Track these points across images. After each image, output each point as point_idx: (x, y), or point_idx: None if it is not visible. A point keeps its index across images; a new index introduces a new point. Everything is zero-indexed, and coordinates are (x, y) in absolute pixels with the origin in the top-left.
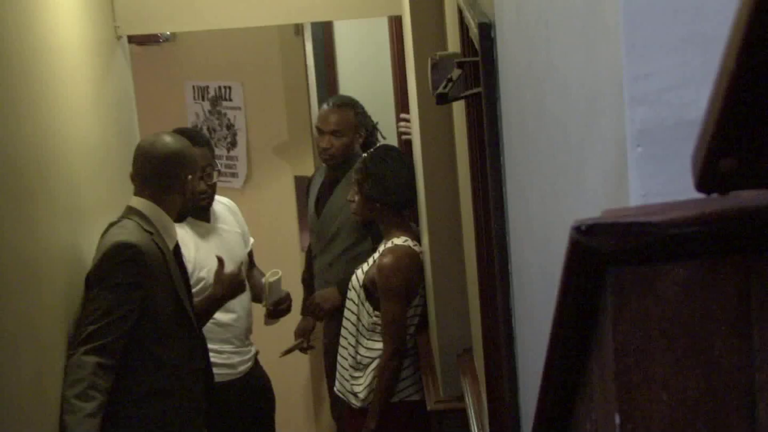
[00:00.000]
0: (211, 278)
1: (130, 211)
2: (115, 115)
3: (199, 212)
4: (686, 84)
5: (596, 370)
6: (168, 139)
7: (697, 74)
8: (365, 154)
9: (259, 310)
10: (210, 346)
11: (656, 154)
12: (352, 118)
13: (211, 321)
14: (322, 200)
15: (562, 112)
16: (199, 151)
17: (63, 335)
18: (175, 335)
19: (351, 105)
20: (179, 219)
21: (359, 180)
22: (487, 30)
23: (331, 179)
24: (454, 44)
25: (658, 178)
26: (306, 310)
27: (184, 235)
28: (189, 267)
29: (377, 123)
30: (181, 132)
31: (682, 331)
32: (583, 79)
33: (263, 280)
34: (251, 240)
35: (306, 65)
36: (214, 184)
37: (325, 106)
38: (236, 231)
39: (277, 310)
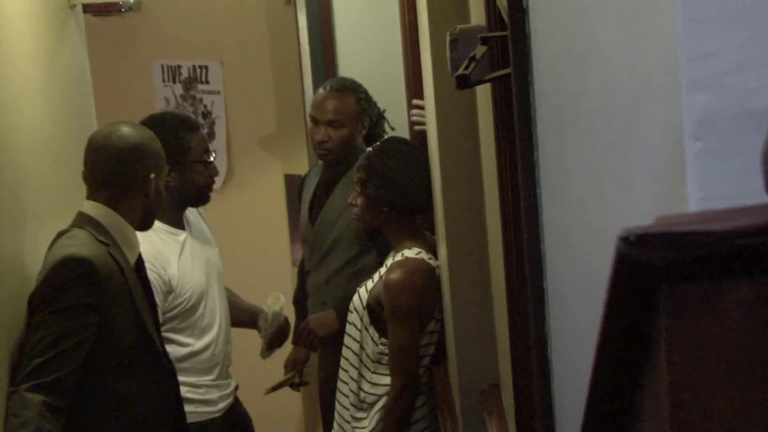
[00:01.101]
0: (195, 299)
1: (82, 219)
2: (68, 101)
3: (174, 218)
4: (753, 65)
5: (648, 407)
6: (126, 130)
7: (766, 54)
8: (369, 149)
9: (239, 336)
10: (182, 379)
11: (718, 150)
12: (354, 104)
13: (183, 349)
14: (317, 204)
15: (605, 99)
16: (197, 135)
17: (3, 369)
18: (138, 368)
19: (352, 89)
20: (142, 227)
21: (362, 179)
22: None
23: (328, 179)
24: (477, 16)
25: (720, 177)
26: (298, 338)
27: (164, 247)
28: (172, 286)
29: (384, 111)
30: (168, 116)
31: (749, 360)
32: (631, 59)
33: (267, 306)
34: (216, 249)
35: (299, 41)
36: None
37: (321, 91)
38: (209, 238)
39: (278, 341)
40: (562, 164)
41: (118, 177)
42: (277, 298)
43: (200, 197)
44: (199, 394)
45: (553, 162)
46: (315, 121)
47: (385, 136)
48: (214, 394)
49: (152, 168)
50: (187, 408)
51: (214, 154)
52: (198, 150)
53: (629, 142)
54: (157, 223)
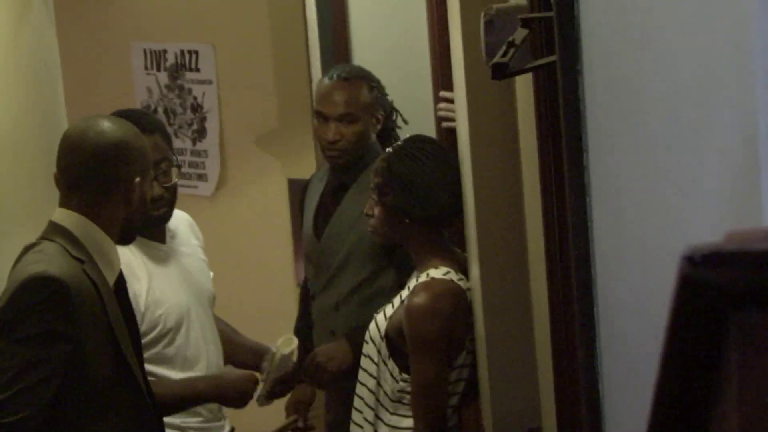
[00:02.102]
0: (172, 324)
1: (53, 229)
2: (32, 90)
3: (151, 228)
4: None
5: None
6: (106, 125)
7: None
8: (389, 149)
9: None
10: (169, 420)
11: None
12: (367, 94)
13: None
14: (323, 215)
15: (666, 93)
16: (149, 141)
17: None
18: (116, 406)
19: (363, 77)
20: (124, 240)
21: (380, 185)
22: None
23: (336, 185)
24: None
25: None
26: (303, 374)
27: (132, 260)
28: (139, 306)
29: (392, 101)
30: (121, 116)
31: None
32: (696, 46)
33: (274, 347)
34: (210, 273)
35: (305, 21)
36: (174, 186)
37: (326, 81)
38: (200, 257)
39: (281, 389)
40: (616, 169)
41: (96, 181)
42: (288, 341)
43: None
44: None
45: (606, 167)
46: (322, 116)
47: (400, 133)
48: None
49: (136, 170)
50: None
51: (176, 170)
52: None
53: (695, 144)
54: None
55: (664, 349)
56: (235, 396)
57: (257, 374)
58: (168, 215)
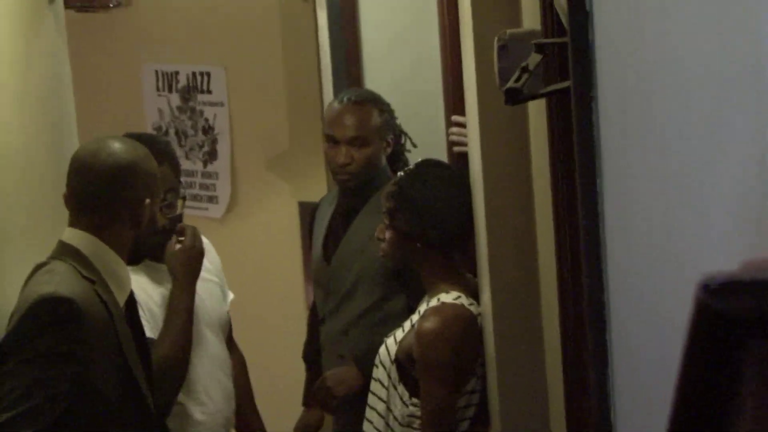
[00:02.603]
0: None
1: (63, 249)
2: (44, 110)
3: (157, 251)
4: None
5: None
6: (117, 146)
7: None
8: (401, 173)
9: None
10: None
11: None
12: (376, 118)
13: (179, 411)
14: (332, 239)
15: (682, 116)
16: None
17: None
18: (124, 426)
19: (373, 101)
20: (134, 260)
21: (391, 209)
22: (580, 0)
23: (346, 208)
24: (531, 18)
25: None
26: (311, 399)
27: (143, 282)
28: (152, 330)
29: (401, 125)
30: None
31: None
32: (714, 73)
33: None
34: (230, 295)
35: (317, 44)
36: (179, 216)
37: (336, 105)
38: (213, 279)
39: None
40: (630, 195)
41: (106, 201)
42: None
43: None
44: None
45: (620, 192)
46: (332, 140)
47: (409, 156)
48: None
49: (146, 192)
50: None
51: (182, 202)
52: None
53: (710, 169)
54: None
55: (679, 377)
56: (186, 268)
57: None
58: (165, 241)
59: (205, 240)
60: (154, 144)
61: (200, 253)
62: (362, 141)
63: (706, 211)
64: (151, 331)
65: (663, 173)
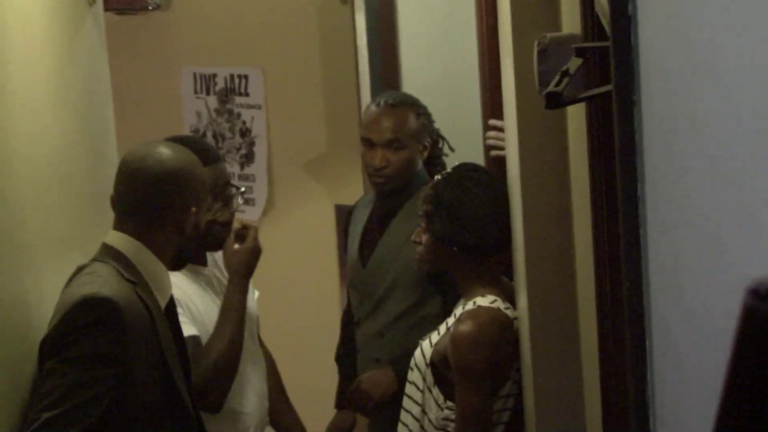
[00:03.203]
0: None
1: (106, 251)
2: (83, 112)
3: (197, 253)
4: None
5: None
6: (165, 152)
7: None
8: (438, 176)
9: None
10: None
11: None
12: (413, 121)
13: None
14: (368, 242)
15: (729, 123)
16: (215, 168)
17: (6, 425)
18: (164, 429)
19: (410, 104)
20: (176, 266)
21: (428, 213)
22: (622, 4)
23: (382, 211)
24: (571, 22)
25: None
26: (344, 401)
27: (184, 284)
28: (197, 331)
29: (438, 129)
30: (180, 142)
31: None
32: (759, 73)
33: None
34: (256, 292)
35: (356, 46)
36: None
37: (373, 108)
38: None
39: None
40: (673, 200)
41: (152, 207)
42: None
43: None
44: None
45: (662, 197)
46: (368, 143)
47: (447, 161)
48: None
49: (192, 199)
50: None
51: (236, 189)
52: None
53: (759, 169)
54: None
55: (726, 383)
56: (245, 267)
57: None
58: (224, 237)
59: None
60: (204, 146)
61: (260, 255)
62: (398, 144)
63: (756, 215)
64: (188, 328)
65: (710, 177)
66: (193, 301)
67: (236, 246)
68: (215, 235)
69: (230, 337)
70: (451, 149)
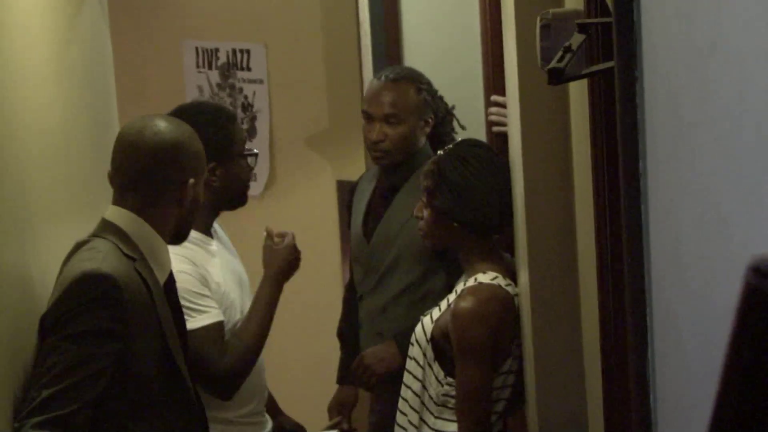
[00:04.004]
0: (231, 317)
1: (106, 227)
2: (86, 87)
3: (206, 224)
4: None
5: None
6: (162, 125)
7: None
8: (440, 152)
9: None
10: (213, 414)
11: None
12: (413, 96)
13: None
14: (372, 217)
15: (733, 102)
16: (239, 127)
17: (5, 401)
18: (163, 406)
19: (411, 79)
20: (174, 240)
21: (429, 188)
22: None
23: (386, 186)
24: None
25: None
26: (347, 376)
27: (198, 257)
28: (230, 302)
29: (453, 107)
30: (201, 107)
31: None
32: (765, 50)
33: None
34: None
35: (358, 21)
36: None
37: (374, 82)
38: (236, 253)
39: None
40: (675, 177)
41: (150, 181)
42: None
43: (241, 197)
44: (248, 419)
45: (664, 174)
46: (368, 116)
47: (456, 137)
48: (261, 418)
49: (191, 172)
50: None
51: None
52: (240, 142)
53: (760, 154)
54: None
55: (726, 359)
56: (288, 265)
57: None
58: (245, 194)
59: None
60: (224, 107)
61: (299, 258)
62: (396, 118)
63: (757, 193)
64: (214, 314)
65: (712, 154)
66: (209, 271)
67: (274, 244)
68: (240, 192)
69: (255, 333)
70: (462, 127)
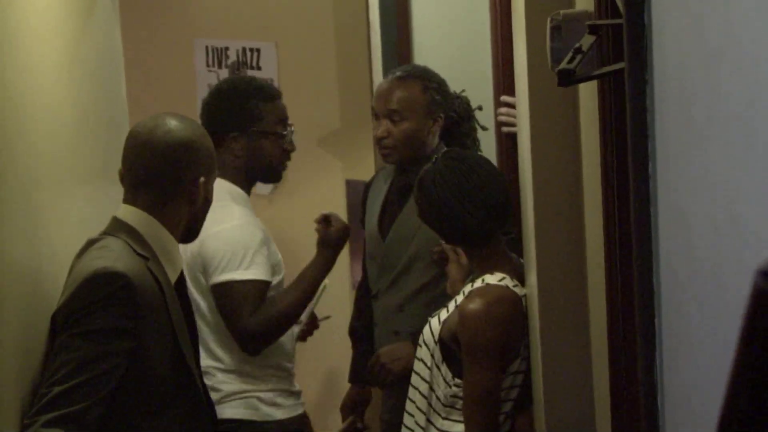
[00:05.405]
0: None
1: (118, 226)
2: (96, 85)
3: (277, 181)
4: None
5: None
6: (173, 123)
7: None
8: (426, 167)
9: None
10: (267, 361)
11: None
12: (419, 94)
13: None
14: (388, 215)
15: (743, 103)
16: (274, 106)
17: (16, 398)
18: (172, 405)
19: (419, 77)
20: (186, 238)
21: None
22: None
23: (401, 184)
24: None
25: None
26: (360, 375)
27: (255, 222)
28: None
29: (479, 108)
30: (235, 82)
31: None
32: None
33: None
34: None
35: (368, 21)
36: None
37: (383, 80)
38: None
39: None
40: (685, 179)
41: (161, 179)
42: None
43: (270, 172)
44: (288, 383)
45: (674, 176)
46: (375, 114)
47: (478, 138)
48: (295, 387)
49: (201, 170)
50: (280, 400)
51: (292, 128)
52: (270, 120)
53: None
54: (241, 193)
55: (735, 362)
56: (340, 240)
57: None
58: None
59: None
60: (264, 86)
61: (348, 232)
62: (399, 115)
63: (765, 199)
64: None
65: (724, 160)
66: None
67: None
68: (266, 167)
69: (295, 301)
70: (483, 128)
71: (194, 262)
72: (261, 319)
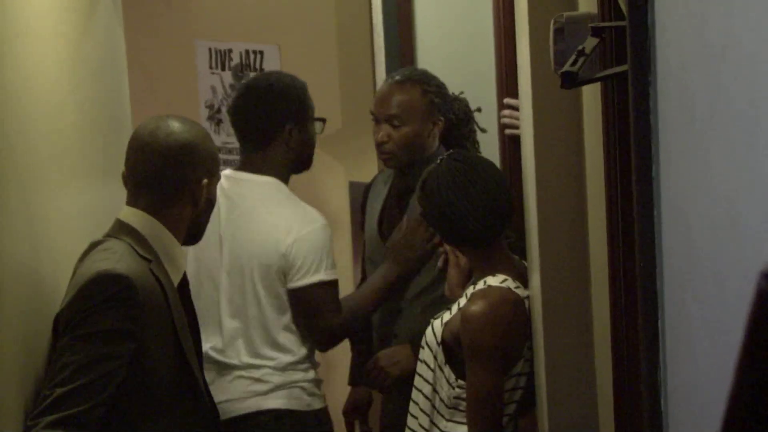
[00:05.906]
0: None
1: (121, 228)
2: (99, 87)
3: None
4: None
5: None
6: (176, 125)
7: None
8: (429, 168)
9: None
10: (299, 350)
11: None
12: (418, 98)
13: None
14: (388, 217)
15: (746, 105)
16: (310, 96)
17: (18, 399)
18: (175, 406)
19: (419, 80)
20: (189, 240)
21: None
22: None
23: (401, 187)
24: (588, 1)
25: None
26: (361, 378)
27: None
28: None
29: (479, 109)
30: (277, 76)
31: None
32: None
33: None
34: None
35: (371, 24)
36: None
37: (383, 83)
38: None
39: None
40: (688, 180)
41: (164, 181)
42: None
43: (309, 160)
44: (317, 373)
45: (677, 178)
46: (374, 118)
47: (477, 140)
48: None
49: (204, 172)
50: (316, 390)
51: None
52: (311, 108)
53: None
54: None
55: (738, 365)
56: (410, 250)
57: None
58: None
59: None
60: (295, 77)
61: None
62: (399, 120)
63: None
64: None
65: (725, 158)
66: None
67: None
68: (309, 155)
69: (370, 299)
70: (482, 130)
71: (273, 262)
72: (344, 317)
